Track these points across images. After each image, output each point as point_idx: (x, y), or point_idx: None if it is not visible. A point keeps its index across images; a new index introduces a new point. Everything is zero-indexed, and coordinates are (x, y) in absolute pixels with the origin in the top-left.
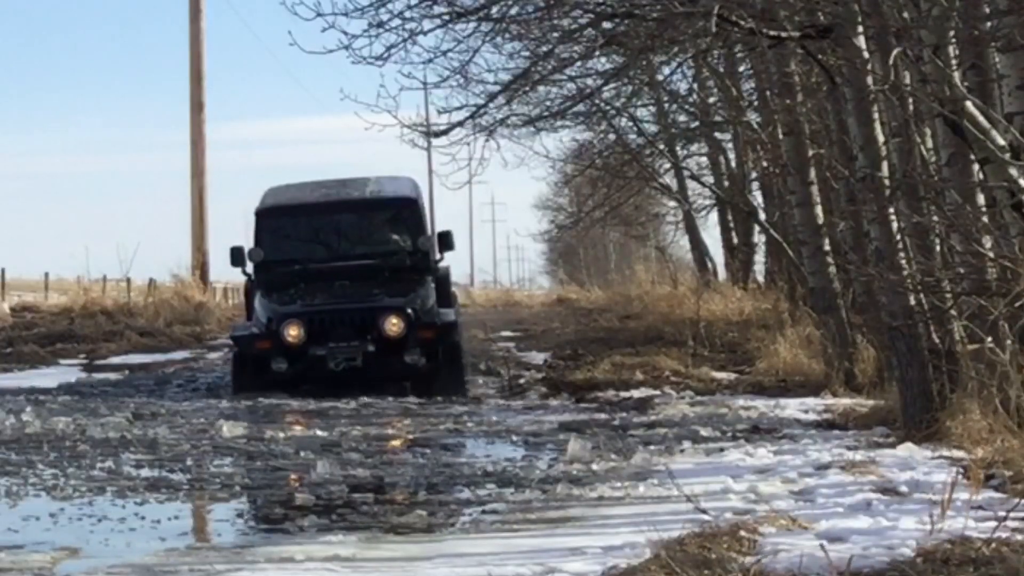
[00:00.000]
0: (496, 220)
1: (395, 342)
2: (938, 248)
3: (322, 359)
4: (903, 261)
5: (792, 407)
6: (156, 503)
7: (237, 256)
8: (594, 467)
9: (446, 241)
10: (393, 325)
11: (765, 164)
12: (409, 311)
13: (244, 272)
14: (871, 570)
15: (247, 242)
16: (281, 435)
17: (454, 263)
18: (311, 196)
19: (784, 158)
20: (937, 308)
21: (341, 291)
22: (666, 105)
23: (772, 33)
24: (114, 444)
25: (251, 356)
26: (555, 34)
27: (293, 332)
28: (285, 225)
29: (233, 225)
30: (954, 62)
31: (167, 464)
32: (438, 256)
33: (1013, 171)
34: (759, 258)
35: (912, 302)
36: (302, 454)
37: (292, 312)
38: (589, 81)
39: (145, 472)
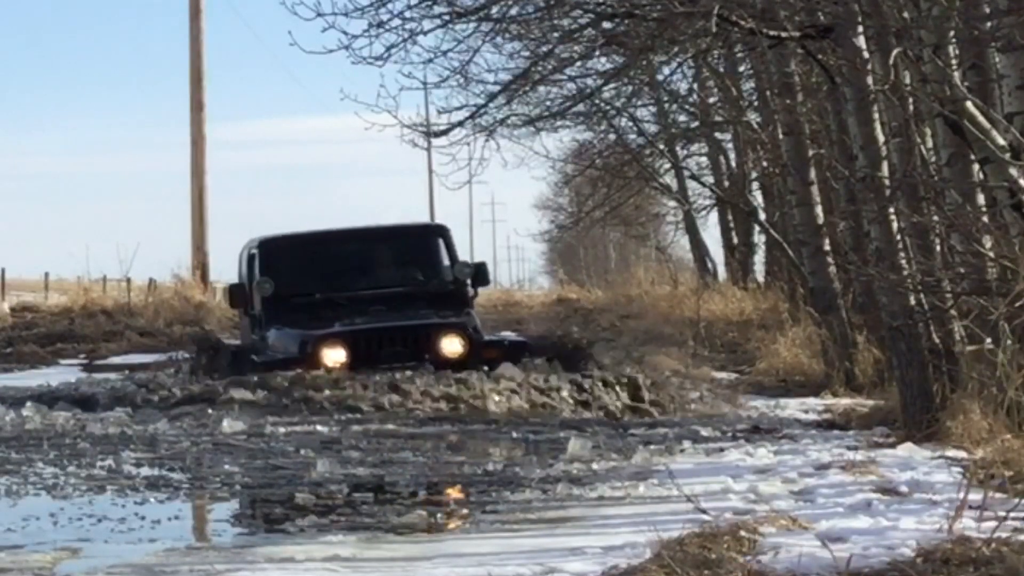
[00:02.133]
0: (496, 220)
1: (452, 364)
2: (938, 248)
3: None
4: (903, 261)
5: (792, 407)
6: (156, 502)
7: (237, 295)
8: (594, 467)
9: (481, 274)
10: (453, 343)
11: (765, 164)
12: (470, 329)
13: (247, 312)
14: (871, 570)
15: (231, 257)
16: (281, 431)
17: None
18: (323, 231)
19: (784, 158)
20: (937, 308)
21: (382, 314)
22: (666, 105)
23: (772, 33)
24: (114, 441)
25: None
26: (555, 34)
27: (334, 355)
28: (300, 256)
29: (233, 225)
30: (954, 62)
31: (167, 463)
32: (472, 291)
33: (1013, 171)
34: (759, 258)
35: (912, 302)
36: (302, 452)
37: (332, 333)
38: (589, 81)
39: (145, 471)
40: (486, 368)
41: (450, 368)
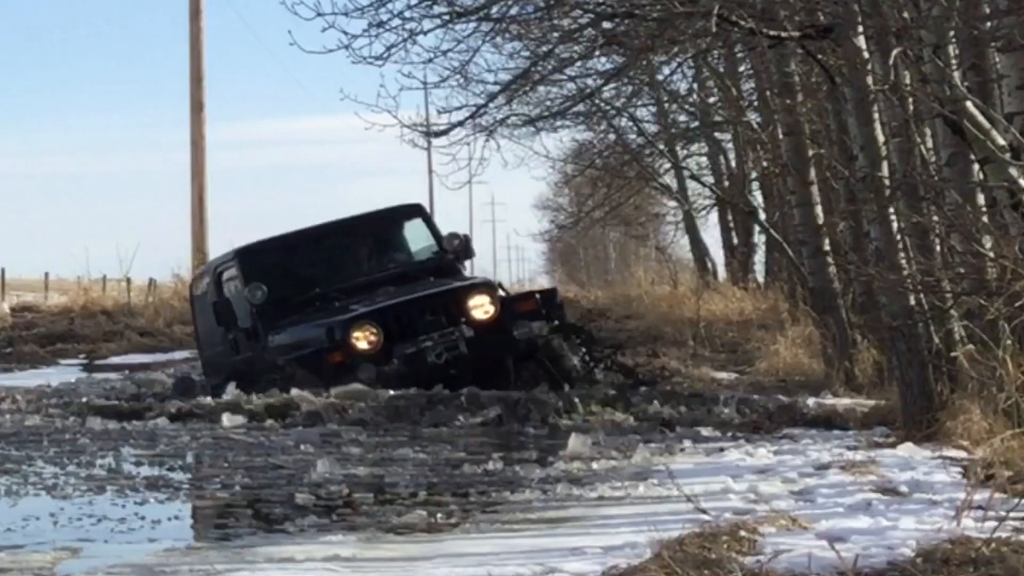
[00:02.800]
0: (496, 220)
1: (486, 325)
2: (938, 248)
3: (418, 355)
4: (903, 261)
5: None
6: (156, 503)
7: (225, 312)
8: (594, 466)
9: (467, 248)
10: (483, 303)
11: (765, 164)
12: (497, 287)
13: (236, 328)
14: (871, 570)
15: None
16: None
17: None
18: (300, 230)
19: (784, 158)
20: (937, 308)
21: (395, 292)
22: (666, 105)
23: (772, 33)
24: (114, 437)
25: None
26: (555, 34)
27: (368, 335)
28: (283, 258)
29: (233, 225)
30: (954, 62)
31: (167, 460)
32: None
33: (1013, 171)
34: (759, 258)
35: (912, 302)
36: (302, 447)
37: (360, 315)
38: (589, 81)
39: (145, 470)
40: (527, 322)
41: (485, 328)
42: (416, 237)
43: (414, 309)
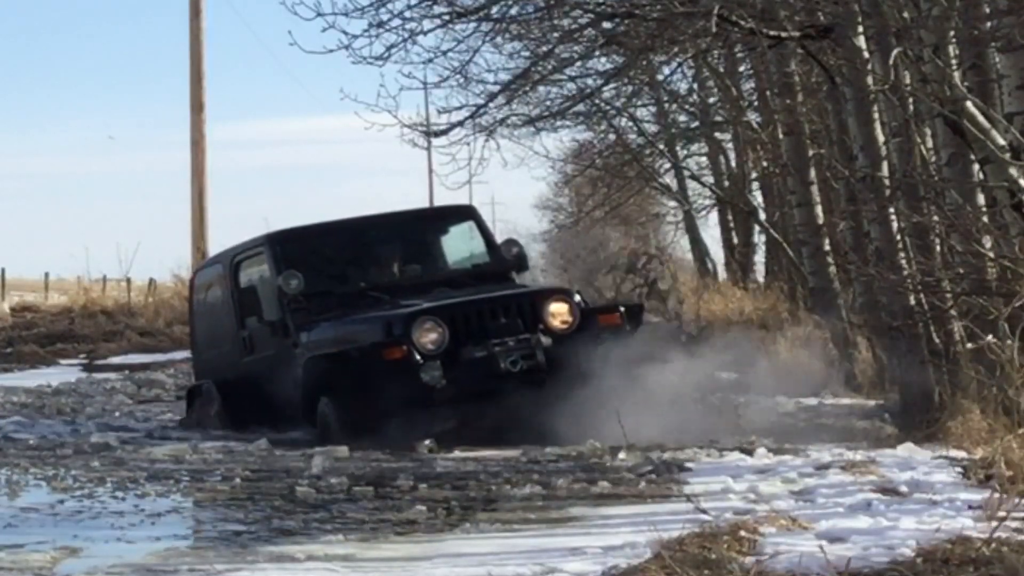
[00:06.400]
0: (496, 220)
1: (563, 336)
2: (938, 248)
3: (488, 360)
4: (903, 261)
5: (791, 407)
6: (156, 496)
7: (251, 302)
8: (593, 461)
9: (522, 259)
10: (562, 310)
11: (765, 164)
12: (576, 295)
13: (261, 321)
14: (871, 570)
15: None
16: None
17: None
18: (343, 220)
19: (784, 158)
20: (937, 308)
21: (455, 293)
22: (666, 105)
23: (772, 33)
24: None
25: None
26: (555, 34)
27: (432, 332)
28: (323, 248)
29: (233, 225)
30: (954, 62)
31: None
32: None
33: (1013, 171)
34: (759, 258)
35: (912, 302)
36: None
37: (424, 310)
38: (589, 81)
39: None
40: (613, 337)
41: (562, 339)
42: (466, 240)
43: (485, 309)
